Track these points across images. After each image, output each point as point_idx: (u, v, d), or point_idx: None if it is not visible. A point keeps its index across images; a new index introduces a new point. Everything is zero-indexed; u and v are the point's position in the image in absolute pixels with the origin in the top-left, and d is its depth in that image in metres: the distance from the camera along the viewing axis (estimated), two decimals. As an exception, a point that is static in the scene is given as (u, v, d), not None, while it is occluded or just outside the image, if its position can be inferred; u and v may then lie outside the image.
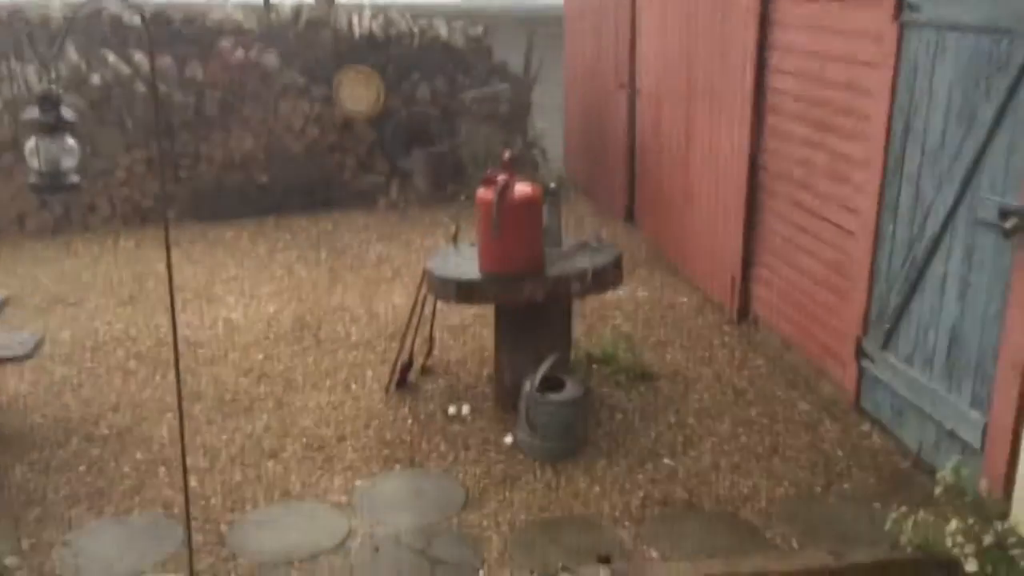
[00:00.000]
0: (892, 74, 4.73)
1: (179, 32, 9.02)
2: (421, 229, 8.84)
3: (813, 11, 5.51)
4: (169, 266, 3.26)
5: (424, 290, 5.43)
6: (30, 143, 2.94)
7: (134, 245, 8.34)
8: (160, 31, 8.95)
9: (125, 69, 8.58)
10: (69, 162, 2.98)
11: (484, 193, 4.91)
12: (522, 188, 4.93)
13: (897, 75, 4.71)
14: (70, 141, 2.96)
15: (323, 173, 9.38)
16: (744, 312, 6.60)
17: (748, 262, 6.51)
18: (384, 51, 9.44)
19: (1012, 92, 3.93)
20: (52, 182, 2.97)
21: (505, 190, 4.84)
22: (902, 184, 4.72)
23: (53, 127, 2.93)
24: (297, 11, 9.51)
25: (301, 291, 7.24)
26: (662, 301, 7.11)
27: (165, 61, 8.74)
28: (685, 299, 7.13)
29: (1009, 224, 3.85)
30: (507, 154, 5.08)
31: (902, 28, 4.64)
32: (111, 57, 8.70)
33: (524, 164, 9.84)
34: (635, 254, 8.16)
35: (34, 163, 2.95)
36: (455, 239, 5.60)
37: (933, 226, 4.47)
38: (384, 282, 7.46)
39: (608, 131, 9.38)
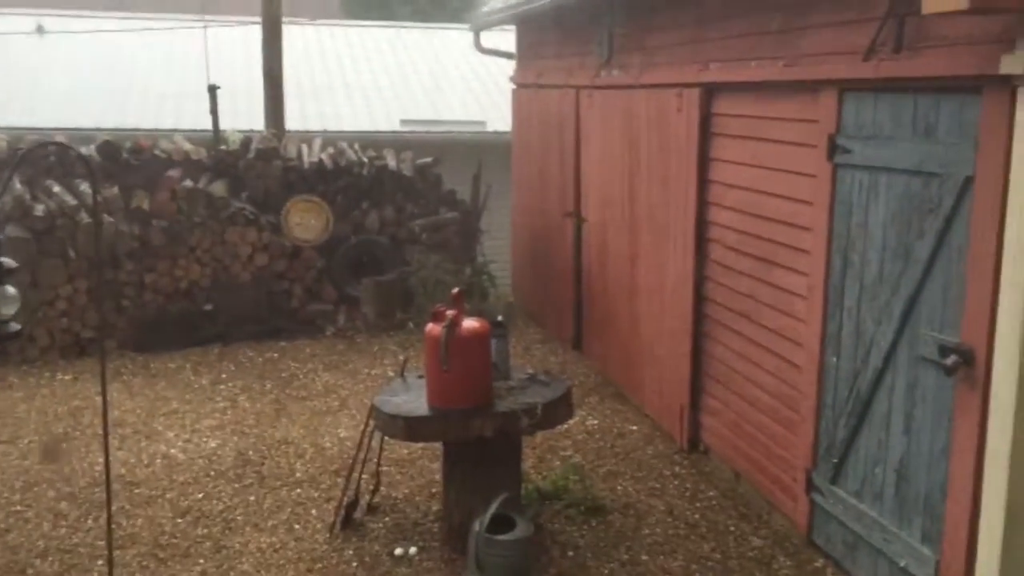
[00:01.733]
0: (828, 211, 4.89)
1: (127, 162, 9.03)
2: (369, 358, 8.76)
3: (750, 149, 5.71)
4: (105, 401, 3.18)
5: (371, 425, 5.34)
6: (-33, 293, 2.87)
7: (72, 378, 8.10)
8: (108, 161, 8.96)
9: (70, 199, 8.53)
10: (9, 310, 2.91)
11: (433, 328, 4.90)
12: (470, 323, 4.93)
13: (833, 212, 4.87)
14: (10, 290, 2.90)
15: (270, 301, 9.31)
16: (694, 441, 6.58)
17: (696, 391, 6.53)
18: (334, 181, 9.54)
19: (943, 234, 4.07)
20: (-11, 331, 2.89)
21: (454, 325, 4.83)
22: (843, 318, 4.81)
23: (-9, 275, 2.86)
24: (247, 142, 9.61)
25: (244, 424, 7.07)
26: (612, 429, 7.07)
27: (112, 191, 8.71)
28: (635, 427, 7.10)
29: (950, 362, 3.92)
30: (456, 289, 5.09)
31: (836, 168, 4.81)
32: (56, 187, 8.65)
33: (473, 291, 9.89)
34: (584, 381, 8.15)
35: (-30, 313, 2.87)
36: (403, 372, 5.55)
37: (876, 360, 4.54)
38: (331, 413, 7.32)
39: (555, 258, 9.50)
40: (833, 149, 4.80)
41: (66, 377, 8.14)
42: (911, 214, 4.28)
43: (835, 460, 4.86)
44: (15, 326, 2.93)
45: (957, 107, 3.97)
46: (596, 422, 7.21)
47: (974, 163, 3.85)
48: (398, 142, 12.41)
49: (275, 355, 8.81)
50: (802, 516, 5.17)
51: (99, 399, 7.08)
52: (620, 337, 7.84)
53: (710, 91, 6.16)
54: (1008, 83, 3.61)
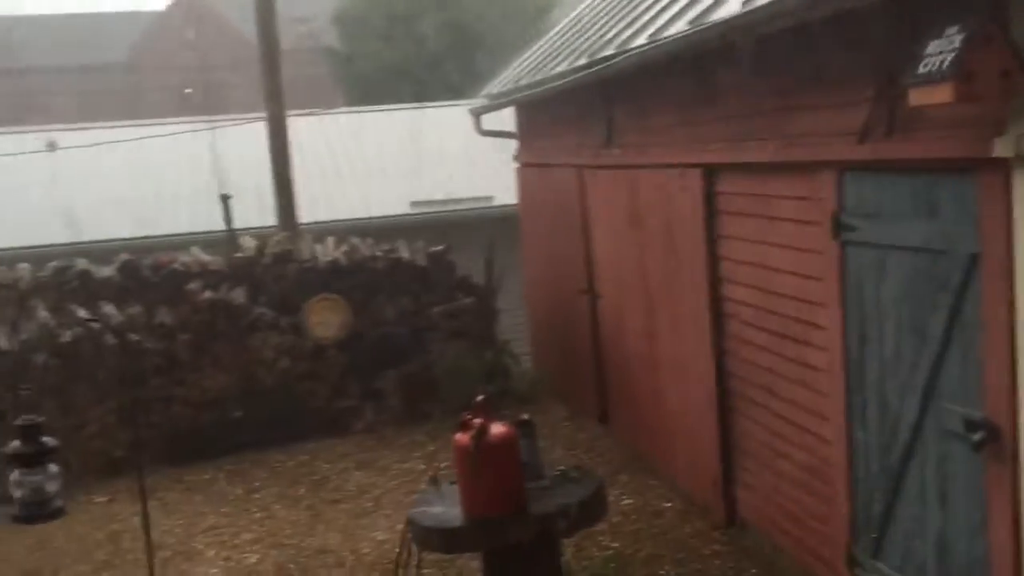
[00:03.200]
0: (839, 287, 4.95)
1: (147, 279, 9.21)
2: (399, 452, 8.81)
3: (756, 226, 5.80)
4: (147, 528, 3.21)
5: (408, 535, 5.37)
6: (14, 475, 2.97)
7: (108, 500, 8.19)
8: (129, 281, 9.14)
9: (94, 322, 8.70)
10: (53, 487, 3.00)
11: (460, 438, 4.96)
12: (498, 429, 4.99)
13: (844, 288, 4.93)
14: (53, 468, 2.99)
15: (297, 402, 9.40)
16: (731, 516, 6.56)
17: (728, 464, 6.53)
18: (349, 277, 9.68)
19: (956, 309, 4.12)
20: (36, 511, 2.98)
21: (482, 434, 4.89)
22: (867, 392, 4.84)
23: (35, 457, 2.96)
24: (262, 247, 9.80)
25: (282, 534, 7.11)
26: (647, 508, 7.07)
27: (135, 310, 8.88)
28: (669, 504, 7.09)
29: (976, 437, 3.95)
30: (481, 396, 5.16)
31: (843, 246, 4.89)
32: (80, 311, 8.83)
33: (496, 372, 9.95)
34: (613, 458, 8.16)
35: (17, 494, 2.97)
36: (435, 480, 5.59)
37: (904, 434, 4.56)
38: (366, 515, 7.36)
39: (573, 333, 9.57)
40: (838, 227, 4.88)
41: (102, 499, 8.22)
42: (922, 290, 4.33)
43: (874, 534, 4.85)
44: (59, 502, 3.02)
45: (955, 187, 4.05)
46: (630, 501, 7.21)
47: (978, 241, 3.92)
48: (409, 224, 12.63)
49: (306, 457, 8.87)
50: (847, 592, 5.14)
51: (136, 520, 7.15)
52: (645, 411, 7.87)
53: (711, 170, 6.27)
54: (1002, 165, 3.69)
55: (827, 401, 5.18)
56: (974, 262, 3.98)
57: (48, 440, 3.01)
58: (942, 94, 3.50)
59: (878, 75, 4.35)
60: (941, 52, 3.54)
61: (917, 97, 3.68)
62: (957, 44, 3.47)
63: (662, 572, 6.00)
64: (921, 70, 3.61)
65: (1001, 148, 3.64)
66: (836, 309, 4.99)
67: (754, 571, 5.91)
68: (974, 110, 3.79)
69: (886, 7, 4.00)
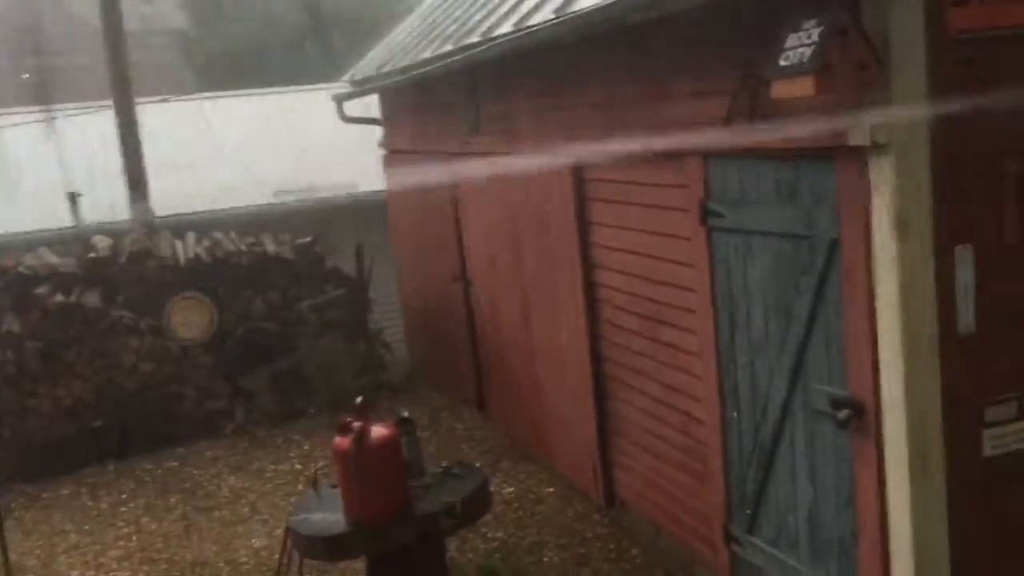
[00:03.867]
0: (708, 272, 5.06)
1: (-10, 285, 8.63)
2: (273, 452, 8.57)
3: (627, 213, 5.86)
4: (4, 551, 2.99)
5: (289, 544, 5.23)
6: None
7: (-42, 524, 7.65)
8: (-31, 287, 8.54)
9: (-68, 334, 8.09)
10: None
11: (340, 442, 4.85)
12: (379, 431, 4.90)
13: (713, 273, 5.04)
14: None
15: (162, 407, 9.00)
16: (611, 498, 6.67)
17: (606, 448, 6.63)
18: (213, 274, 9.32)
19: (819, 291, 4.26)
20: None
21: (362, 437, 4.79)
22: (738, 373, 4.98)
23: None
24: (117, 247, 9.31)
25: (152, 549, 6.80)
26: (529, 495, 7.11)
27: (-23, 318, 8.31)
28: (551, 489, 7.15)
29: (842, 415, 4.11)
30: (359, 399, 5.05)
31: (710, 232, 4.99)
32: (-85, 322, 8.20)
33: (371, 363, 9.81)
34: (493, 445, 8.18)
35: None
36: (315, 483, 5.45)
37: (774, 414, 4.71)
38: (241, 522, 7.12)
39: (449, 321, 9.51)
40: (705, 214, 4.97)
41: (-49, 524, 7.67)
42: (787, 274, 4.47)
43: (748, 511, 5.01)
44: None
45: (815, 174, 4.18)
46: (512, 489, 7.24)
47: (838, 226, 4.06)
48: (272, 215, 12.23)
49: (175, 464, 8.52)
50: (724, 567, 5.30)
51: (-8, 547, 6.71)
52: (523, 398, 7.90)
53: (581, 158, 6.30)
54: (859, 153, 3.82)
55: (700, 383, 5.30)
56: (834, 246, 4.12)
57: None
58: (803, 87, 3.59)
59: (740, 65, 4.43)
60: (800, 45, 3.63)
61: (779, 89, 3.76)
62: (816, 38, 3.56)
63: (546, 558, 6.05)
64: (783, 63, 3.70)
65: (857, 136, 3.76)
66: (706, 293, 5.10)
67: (635, 551, 6.03)
68: (832, 100, 3.91)
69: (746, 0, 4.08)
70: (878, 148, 3.69)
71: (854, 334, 4.05)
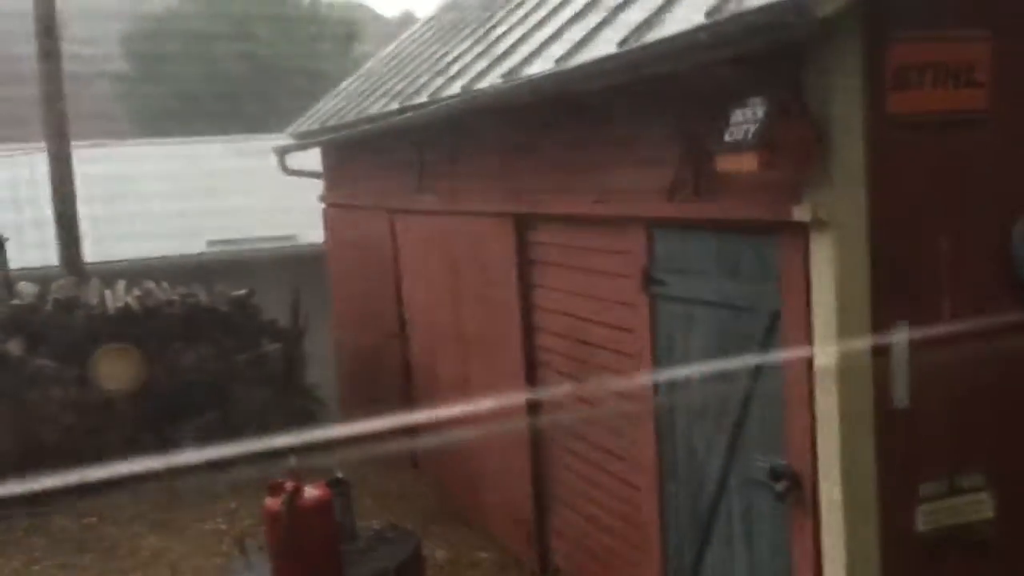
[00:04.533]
0: (650, 339, 5.08)
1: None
2: (197, 510, 8.27)
3: (570, 277, 5.89)
4: None
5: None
6: None
7: None
8: None
9: None
10: None
11: (271, 503, 4.70)
12: (311, 492, 4.77)
13: (655, 340, 5.06)
14: None
15: (83, 459, 8.65)
16: (545, 564, 6.58)
17: (541, 512, 6.56)
18: (143, 324, 9.07)
19: (758, 364, 4.31)
20: None
21: (294, 498, 4.66)
22: (676, 442, 4.98)
23: None
24: (43, 294, 9.02)
25: (65, 613, 6.49)
26: (461, 559, 6.98)
27: None
28: (485, 555, 7.03)
29: (780, 486, 4.13)
30: (292, 460, 4.92)
31: (652, 299, 5.03)
32: None
33: (303, 418, 9.60)
34: (426, 504, 8.04)
35: None
36: (242, 547, 5.27)
37: (711, 484, 4.71)
38: (162, 584, 6.85)
39: (384, 377, 9.40)
40: (647, 281, 5.02)
41: None
42: (728, 344, 4.52)
43: (685, 581, 4.99)
44: None
45: (758, 247, 4.25)
46: (444, 553, 7.09)
47: (779, 299, 4.12)
48: (205, 264, 12.03)
49: (94, 519, 8.17)
50: (660, 638, 5.24)
51: None
52: (458, 458, 7.80)
53: (525, 220, 6.33)
54: (801, 228, 3.90)
55: (638, 450, 5.29)
56: (775, 319, 4.18)
57: None
58: (747, 162, 3.66)
59: (685, 137, 4.51)
60: (745, 122, 3.71)
61: (724, 164, 3.83)
62: (760, 115, 3.65)
63: (480, 627, 5.92)
64: (728, 138, 3.77)
65: (800, 212, 3.84)
66: (647, 360, 5.11)
67: (570, 620, 5.93)
68: (776, 176, 3.99)
69: (691, 75, 4.16)
70: (820, 224, 3.77)
71: (792, 406, 4.09)
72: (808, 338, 3.98)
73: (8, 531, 8.01)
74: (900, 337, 3.89)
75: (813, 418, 4.00)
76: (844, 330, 3.80)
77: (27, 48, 11.04)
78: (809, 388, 3.99)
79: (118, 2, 33.05)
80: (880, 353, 3.88)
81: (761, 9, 3.41)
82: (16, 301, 8.90)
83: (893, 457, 3.91)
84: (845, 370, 3.84)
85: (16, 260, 9.74)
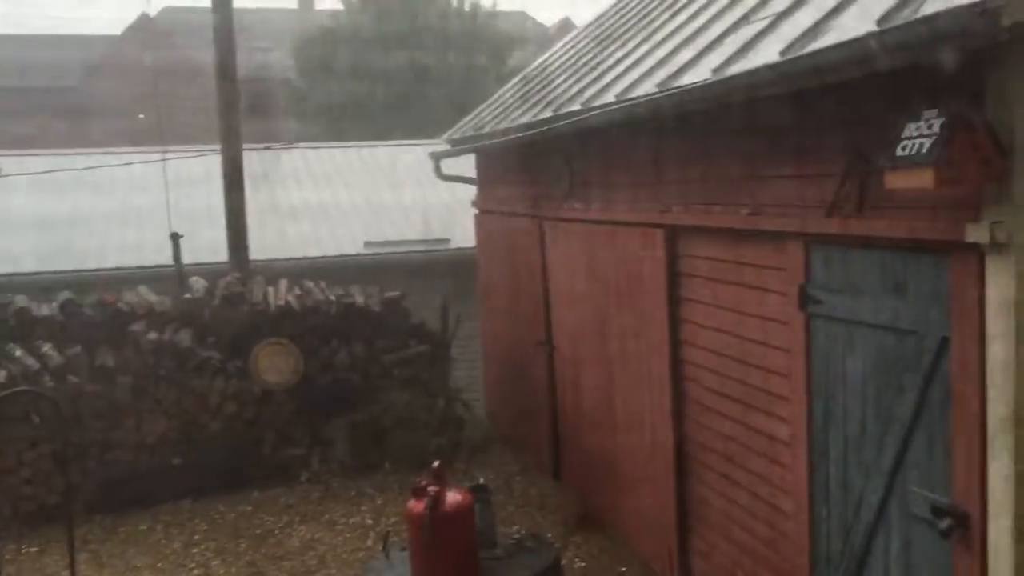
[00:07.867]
0: (804, 359, 4.86)
1: (90, 319, 8.87)
2: (345, 504, 8.53)
3: (721, 291, 5.71)
4: None
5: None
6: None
7: (38, 550, 7.79)
8: (71, 319, 8.80)
9: (33, 363, 8.34)
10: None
11: (414, 505, 4.77)
12: (453, 497, 4.81)
13: (810, 360, 4.84)
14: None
15: (241, 449, 9.09)
16: (686, 584, 6.42)
17: (685, 531, 6.40)
18: (301, 321, 9.43)
19: (925, 391, 4.05)
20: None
21: (436, 503, 4.71)
22: (830, 468, 4.75)
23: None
24: (211, 289, 9.52)
25: (220, 595, 6.80)
26: (601, 572, 6.90)
27: (74, 350, 8.54)
28: (625, 569, 6.93)
29: (944, 524, 3.86)
30: (436, 463, 4.98)
31: (809, 318, 4.81)
32: (18, 351, 8.46)
33: (448, 423, 9.75)
34: (567, 516, 7.99)
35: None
36: (385, 547, 5.37)
37: (867, 515, 4.46)
38: (309, 574, 7.07)
39: (529, 385, 9.42)
40: (804, 299, 4.81)
41: (32, 549, 7.82)
42: (889, 370, 4.26)
43: (835, 615, 4.74)
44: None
45: (926, 268, 3.99)
46: (584, 564, 7.03)
47: (949, 325, 3.85)
48: (362, 265, 12.41)
49: (248, 508, 8.55)
50: (806, 672, 5.01)
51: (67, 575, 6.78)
52: (601, 469, 7.72)
53: (675, 232, 6.20)
54: (975, 250, 3.64)
55: (789, 474, 5.08)
56: (944, 345, 3.91)
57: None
58: (922, 179, 3.44)
59: (849, 150, 4.30)
60: (920, 136, 3.49)
61: (894, 180, 3.62)
62: (937, 129, 3.42)
63: (616, 643, 5.83)
64: (899, 153, 3.56)
65: (975, 233, 3.58)
66: (801, 381, 4.90)
67: (710, 645, 5.75)
68: (948, 193, 3.75)
69: (857, 85, 3.95)
70: (997, 247, 3.50)
71: (962, 440, 3.82)
72: (980, 369, 3.71)
73: (175, 513, 8.48)
74: (1086, 370, 3.57)
75: (984, 455, 3.72)
76: (1021, 360, 3.52)
77: (207, 55, 11.67)
78: (981, 421, 3.72)
79: (287, 15, 34.74)
80: (1062, 388, 3.57)
81: (943, 16, 3.18)
82: (187, 295, 9.42)
83: (1074, 500, 3.59)
84: (1022, 402, 3.55)
85: (190, 255, 10.32)
